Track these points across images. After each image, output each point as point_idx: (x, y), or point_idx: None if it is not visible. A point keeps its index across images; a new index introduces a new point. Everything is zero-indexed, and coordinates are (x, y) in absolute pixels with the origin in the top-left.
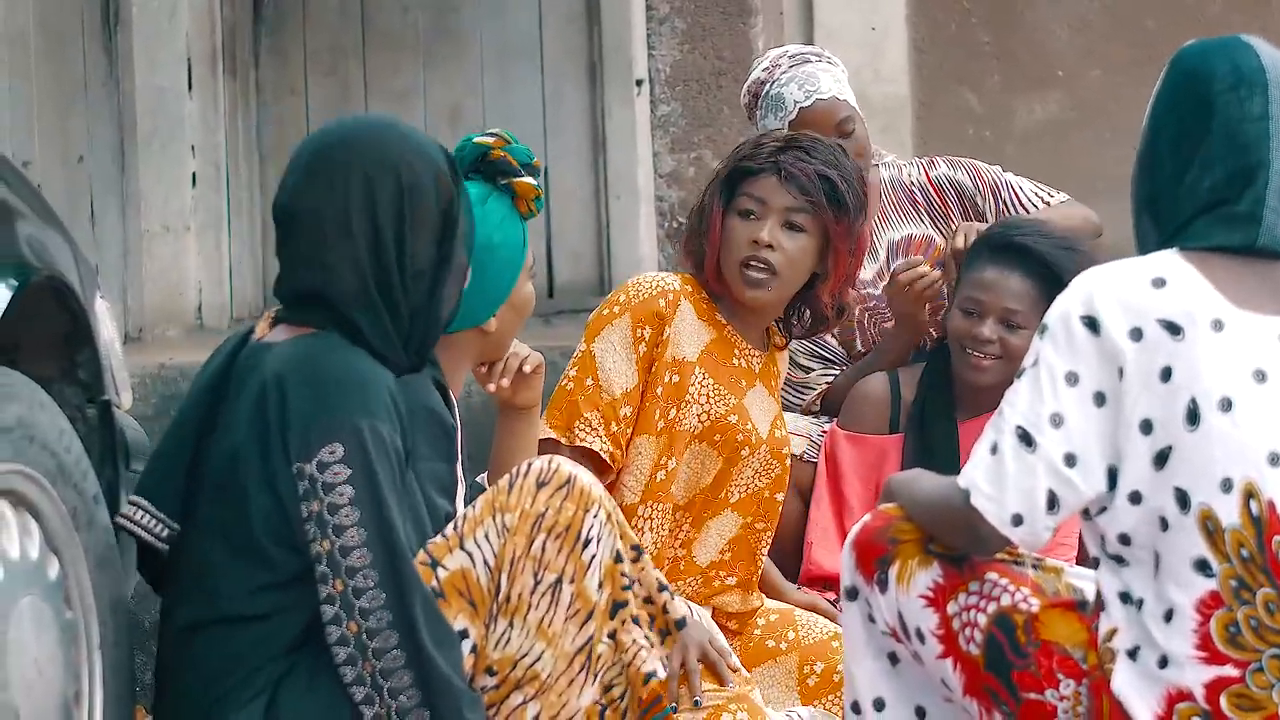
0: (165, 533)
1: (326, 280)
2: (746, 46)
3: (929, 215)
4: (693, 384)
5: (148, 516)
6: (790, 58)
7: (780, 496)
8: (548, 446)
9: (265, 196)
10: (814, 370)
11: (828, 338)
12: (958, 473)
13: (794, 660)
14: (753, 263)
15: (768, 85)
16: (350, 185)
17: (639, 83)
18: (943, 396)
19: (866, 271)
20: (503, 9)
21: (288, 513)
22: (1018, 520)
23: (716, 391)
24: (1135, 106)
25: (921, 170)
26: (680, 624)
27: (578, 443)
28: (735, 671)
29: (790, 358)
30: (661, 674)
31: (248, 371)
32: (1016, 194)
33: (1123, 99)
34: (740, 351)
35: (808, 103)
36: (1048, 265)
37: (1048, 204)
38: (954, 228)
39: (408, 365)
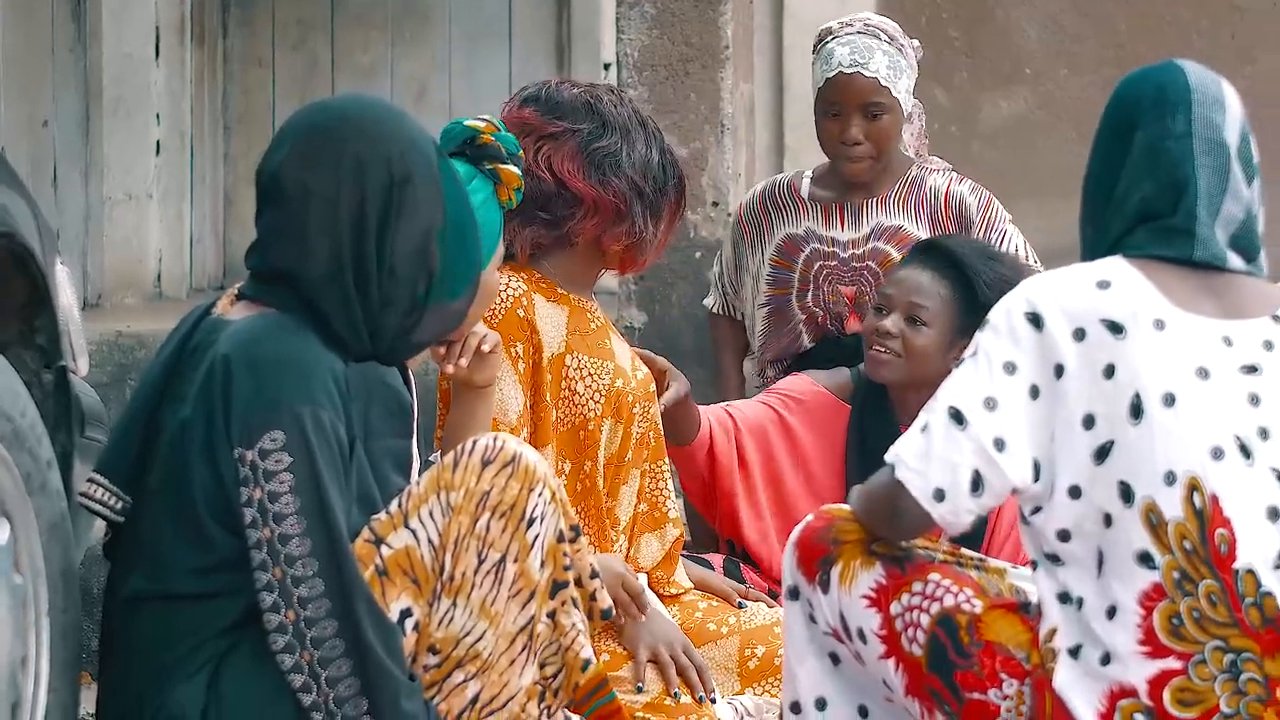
0: (120, 506)
1: (302, 259)
2: (715, 34)
3: (929, 220)
4: (567, 374)
5: (104, 491)
6: (864, 24)
7: (659, 427)
8: None
9: (229, 167)
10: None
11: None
12: None
13: (735, 644)
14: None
15: (832, 37)
16: (343, 168)
17: (607, 66)
18: (881, 404)
19: (843, 234)
20: None
21: (228, 494)
22: (939, 495)
23: (595, 365)
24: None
25: (948, 180)
26: (606, 614)
27: None
28: (708, 692)
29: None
30: (595, 662)
31: (203, 346)
32: (1004, 243)
33: (1090, 100)
34: (590, 313)
35: (849, 70)
36: (961, 267)
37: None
38: None
39: (370, 354)
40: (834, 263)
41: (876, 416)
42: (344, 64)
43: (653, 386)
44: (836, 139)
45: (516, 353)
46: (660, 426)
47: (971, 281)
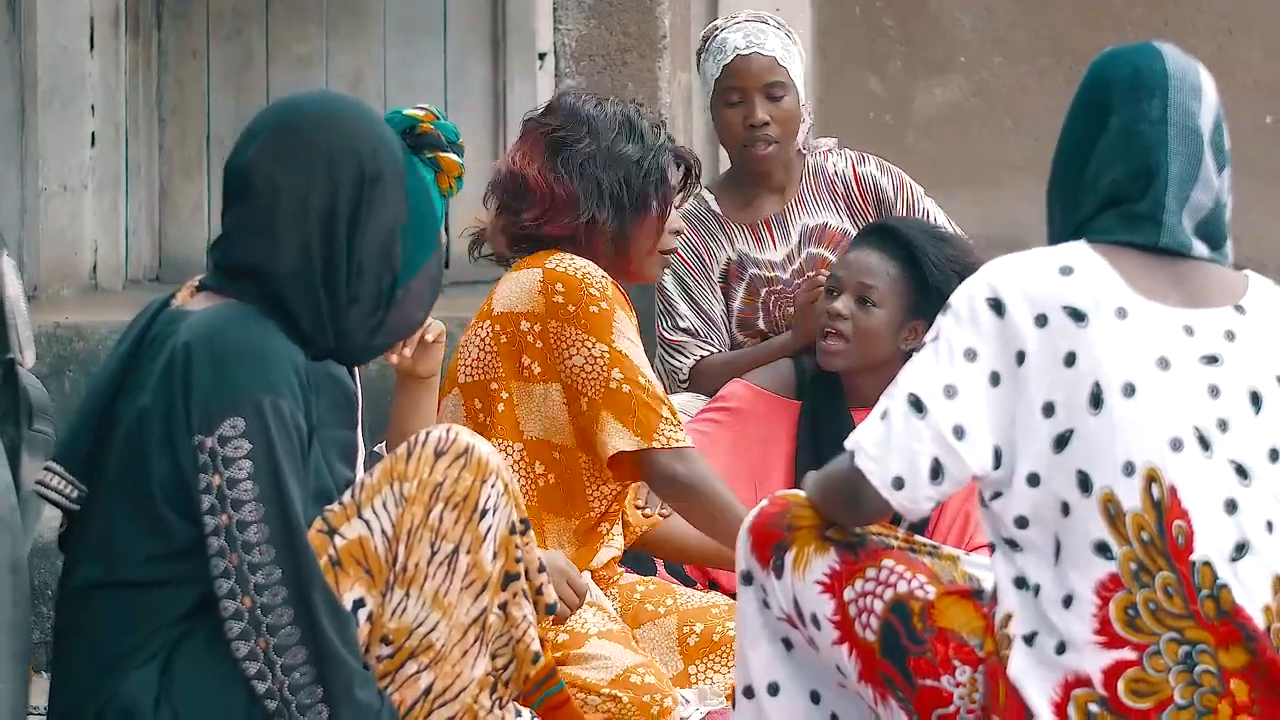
0: (76, 494)
1: (270, 254)
2: (653, 23)
3: (847, 207)
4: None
5: (60, 480)
6: (749, 14)
7: None
8: (639, 456)
9: (164, 158)
10: (688, 341)
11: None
12: None
13: (673, 622)
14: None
15: (719, 32)
16: (314, 165)
17: (542, 56)
18: (832, 391)
19: (776, 253)
20: None
21: (186, 482)
22: (899, 483)
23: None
24: (1037, 95)
25: (850, 163)
26: (551, 608)
27: (673, 444)
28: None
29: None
30: (544, 657)
31: (162, 337)
32: (928, 218)
33: (1025, 88)
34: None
35: (746, 51)
36: (910, 247)
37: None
38: None
39: (333, 352)
40: (779, 286)
41: (828, 404)
42: (279, 56)
43: None
44: (742, 125)
45: (633, 320)
46: None
47: (920, 262)
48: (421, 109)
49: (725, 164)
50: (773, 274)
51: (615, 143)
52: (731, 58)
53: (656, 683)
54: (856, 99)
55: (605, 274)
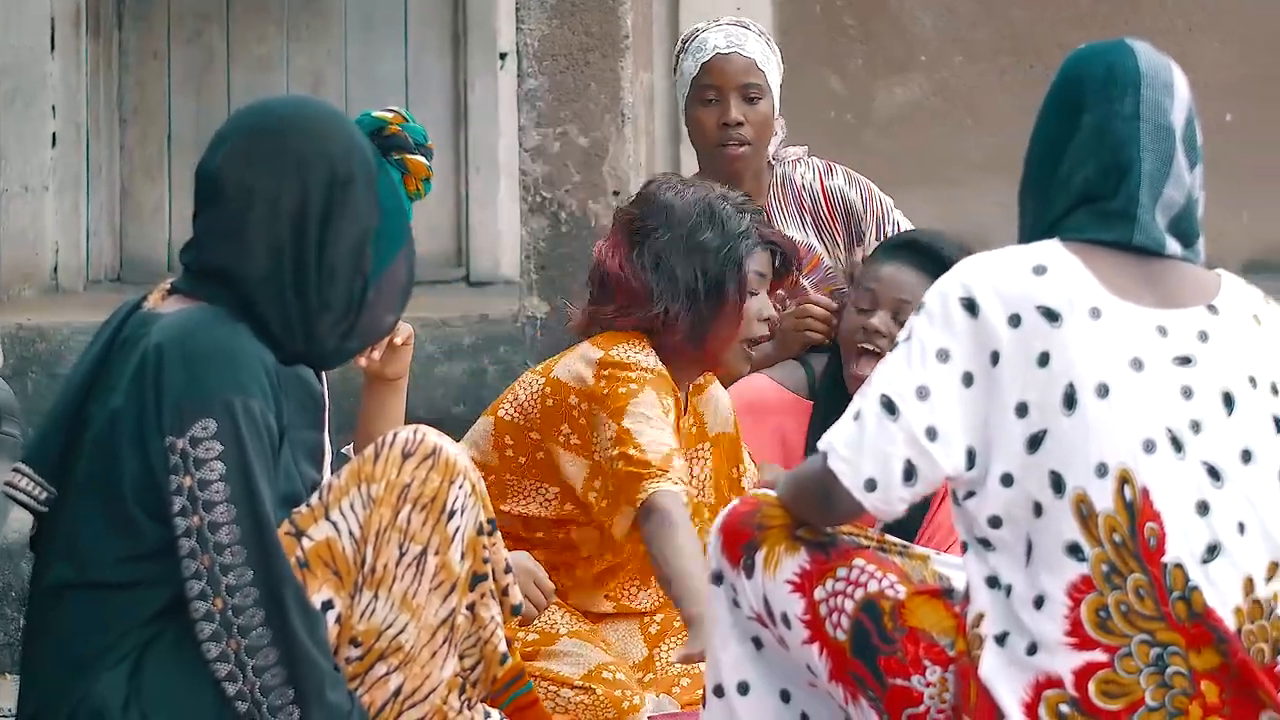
0: (45, 496)
1: (241, 258)
2: (615, 23)
3: (814, 222)
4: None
5: (29, 481)
6: (731, 18)
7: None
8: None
9: (125, 159)
10: None
11: None
12: None
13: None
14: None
15: (699, 32)
16: (285, 169)
17: (503, 55)
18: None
19: None
20: None
21: (157, 484)
22: (871, 485)
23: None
24: (997, 94)
25: (817, 175)
26: (516, 610)
27: (643, 497)
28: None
29: None
30: (510, 657)
31: (134, 339)
32: (899, 228)
33: (985, 86)
34: (680, 410)
35: (726, 50)
36: (943, 263)
37: None
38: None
39: (304, 356)
40: None
41: (840, 408)
42: (240, 57)
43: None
44: (715, 125)
45: (667, 404)
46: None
47: None
48: (390, 111)
49: (687, 164)
50: None
51: (693, 231)
52: (710, 55)
53: (626, 680)
54: (817, 98)
55: (656, 364)
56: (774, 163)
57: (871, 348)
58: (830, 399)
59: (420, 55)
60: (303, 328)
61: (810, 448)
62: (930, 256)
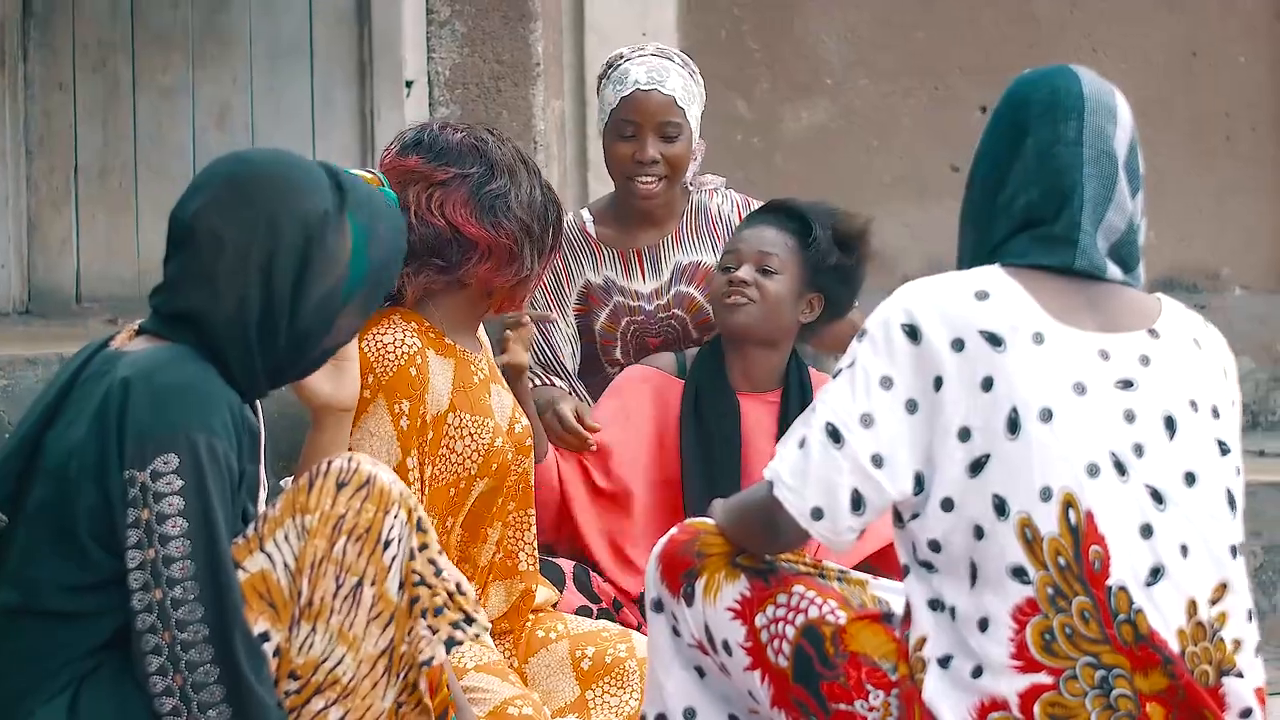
0: None
1: (211, 303)
2: (526, 51)
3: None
4: (448, 432)
5: None
6: (658, 49)
7: (529, 478)
8: None
9: (31, 191)
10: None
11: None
12: (739, 445)
13: (565, 647)
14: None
15: (623, 61)
16: (258, 221)
17: (409, 84)
18: (718, 377)
19: (645, 285)
20: (272, 8)
21: (113, 516)
22: (818, 514)
23: (476, 424)
24: (902, 116)
25: (735, 208)
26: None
27: None
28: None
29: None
30: (440, 658)
31: (98, 375)
32: None
33: (890, 108)
34: (474, 365)
35: (646, 87)
36: (800, 216)
37: None
38: None
39: (262, 395)
40: (640, 317)
41: (711, 382)
42: (145, 85)
43: (529, 440)
44: (629, 160)
45: (400, 409)
46: (530, 477)
47: (811, 226)
48: (369, 172)
49: (595, 190)
50: (636, 304)
51: (523, 183)
52: (630, 90)
53: (534, 714)
54: (724, 122)
55: (415, 348)
56: (690, 188)
57: (739, 299)
58: (699, 375)
59: (326, 83)
60: (266, 374)
61: (684, 419)
62: (786, 214)
